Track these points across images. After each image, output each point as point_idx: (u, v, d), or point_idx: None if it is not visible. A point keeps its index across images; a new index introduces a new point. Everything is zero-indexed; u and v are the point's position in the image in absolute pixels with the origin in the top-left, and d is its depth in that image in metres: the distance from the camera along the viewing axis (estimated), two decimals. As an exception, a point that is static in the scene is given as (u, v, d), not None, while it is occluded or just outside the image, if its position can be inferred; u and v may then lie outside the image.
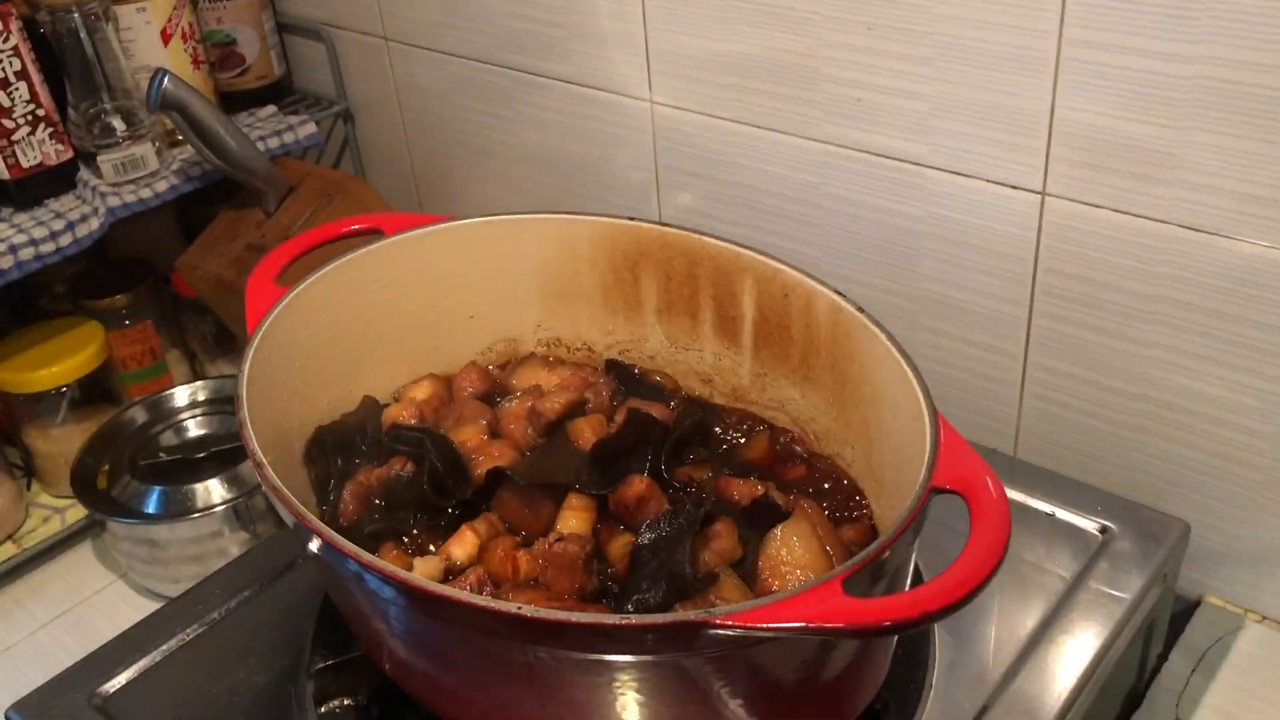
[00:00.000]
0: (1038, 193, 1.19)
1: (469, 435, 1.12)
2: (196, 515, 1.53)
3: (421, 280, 1.18)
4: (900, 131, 1.26)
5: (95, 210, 1.59)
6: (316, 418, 1.12)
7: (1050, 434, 1.30)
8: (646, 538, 0.99)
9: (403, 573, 0.81)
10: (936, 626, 1.06)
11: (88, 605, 1.66)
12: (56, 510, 1.75)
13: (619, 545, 1.02)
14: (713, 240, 1.11)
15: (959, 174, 1.24)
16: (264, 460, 0.92)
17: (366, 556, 0.83)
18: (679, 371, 1.20)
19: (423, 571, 0.99)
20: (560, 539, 0.99)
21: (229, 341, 1.86)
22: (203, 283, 1.66)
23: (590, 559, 0.99)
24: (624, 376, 1.22)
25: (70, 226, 1.57)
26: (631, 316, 1.20)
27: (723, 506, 1.05)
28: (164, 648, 1.12)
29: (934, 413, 0.88)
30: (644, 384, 1.21)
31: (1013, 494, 1.18)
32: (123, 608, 1.66)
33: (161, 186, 1.64)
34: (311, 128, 1.77)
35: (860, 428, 1.03)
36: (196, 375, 1.91)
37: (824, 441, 1.09)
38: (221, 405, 1.71)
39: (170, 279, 1.82)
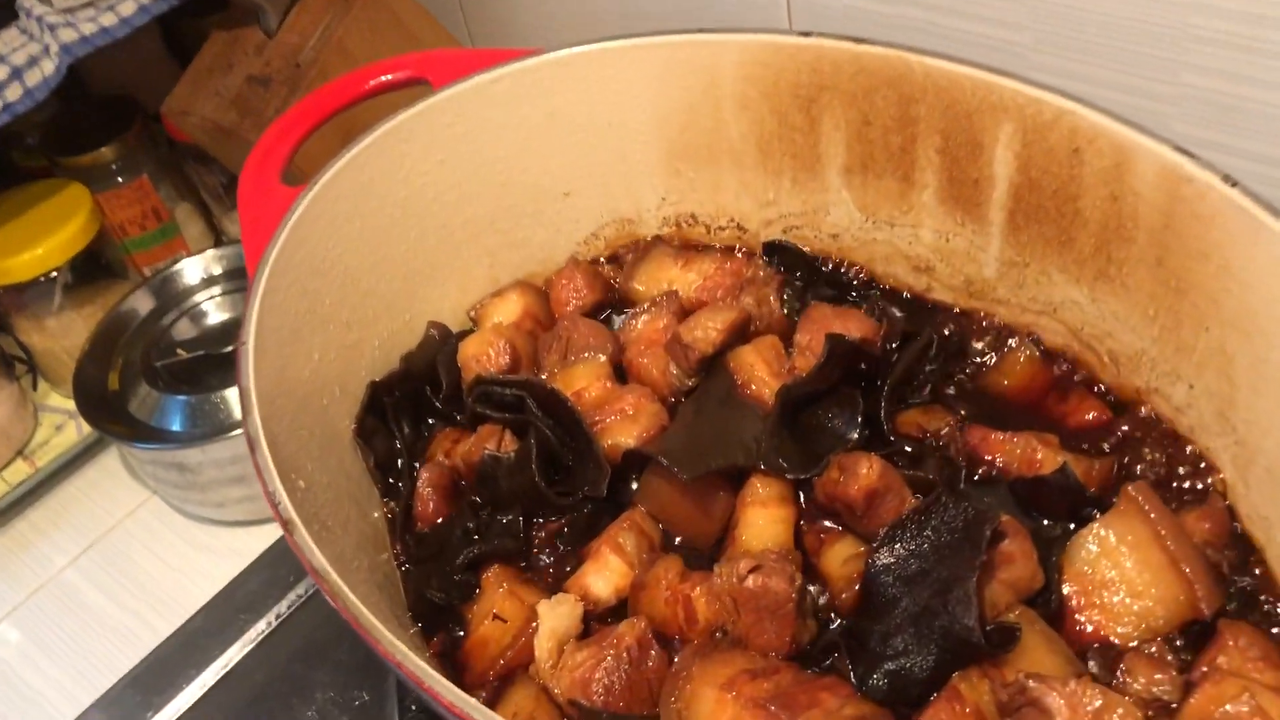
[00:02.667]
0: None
1: (586, 381, 0.73)
2: (234, 434, 1.16)
3: (493, 149, 0.77)
4: None
5: (45, 50, 1.15)
6: (366, 371, 0.74)
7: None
8: (887, 557, 0.61)
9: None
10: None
11: (121, 532, 1.33)
12: (69, 415, 1.39)
13: (838, 557, 0.65)
14: (943, 63, 0.68)
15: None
16: (294, 517, 0.54)
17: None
18: (877, 256, 0.79)
19: (552, 625, 0.62)
20: (756, 568, 0.61)
21: (247, 189, 1.45)
22: (198, 130, 1.25)
23: (804, 595, 0.62)
24: (795, 265, 0.80)
25: (16, 74, 1.14)
26: (803, 179, 0.78)
27: (984, 485, 0.66)
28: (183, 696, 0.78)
29: None
30: (827, 278, 0.80)
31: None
32: (162, 532, 1.33)
33: (128, 9, 1.19)
34: (312, -94, 1.29)
35: (1210, 358, 0.63)
36: (215, 233, 1.51)
37: (1128, 369, 0.69)
38: (244, 278, 1.32)
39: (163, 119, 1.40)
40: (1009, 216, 0.71)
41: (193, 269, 1.35)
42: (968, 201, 0.72)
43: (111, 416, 1.24)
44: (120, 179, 1.40)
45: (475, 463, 0.70)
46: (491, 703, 0.62)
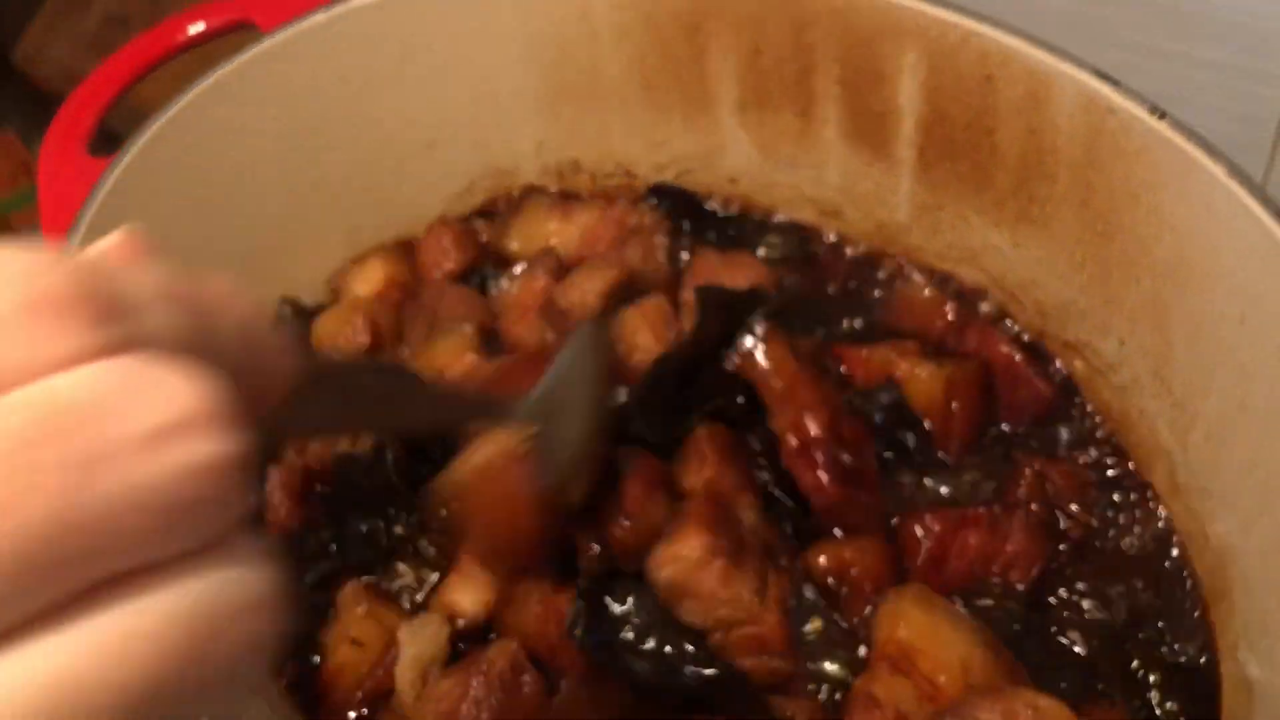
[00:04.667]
0: None
1: (448, 357, 0.66)
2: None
3: (339, 100, 0.68)
4: None
5: None
6: (205, 361, 0.65)
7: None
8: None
9: None
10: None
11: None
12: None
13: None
14: (837, -18, 0.59)
15: None
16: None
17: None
18: (781, 200, 0.71)
19: (415, 652, 0.56)
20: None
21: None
22: (54, 78, 1.14)
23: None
24: (686, 209, 0.73)
25: None
26: (695, 117, 0.70)
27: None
28: None
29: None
30: (723, 221, 0.73)
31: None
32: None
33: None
34: None
35: (1143, 311, 0.56)
36: (97, 186, 1.40)
37: (1053, 319, 0.62)
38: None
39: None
40: (919, 153, 0.63)
41: (68, 230, 1.25)
42: (874, 137, 0.64)
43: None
44: (-19, 134, 1.29)
45: (330, 456, 0.63)
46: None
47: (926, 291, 0.67)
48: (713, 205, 0.73)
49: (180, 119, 0.64)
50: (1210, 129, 0.85)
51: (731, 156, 0.71)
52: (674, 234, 0.72)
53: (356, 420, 0.43)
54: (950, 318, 0.66)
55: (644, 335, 0.64)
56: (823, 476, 0.57)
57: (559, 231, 0.72)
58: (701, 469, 0.57)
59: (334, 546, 0.61)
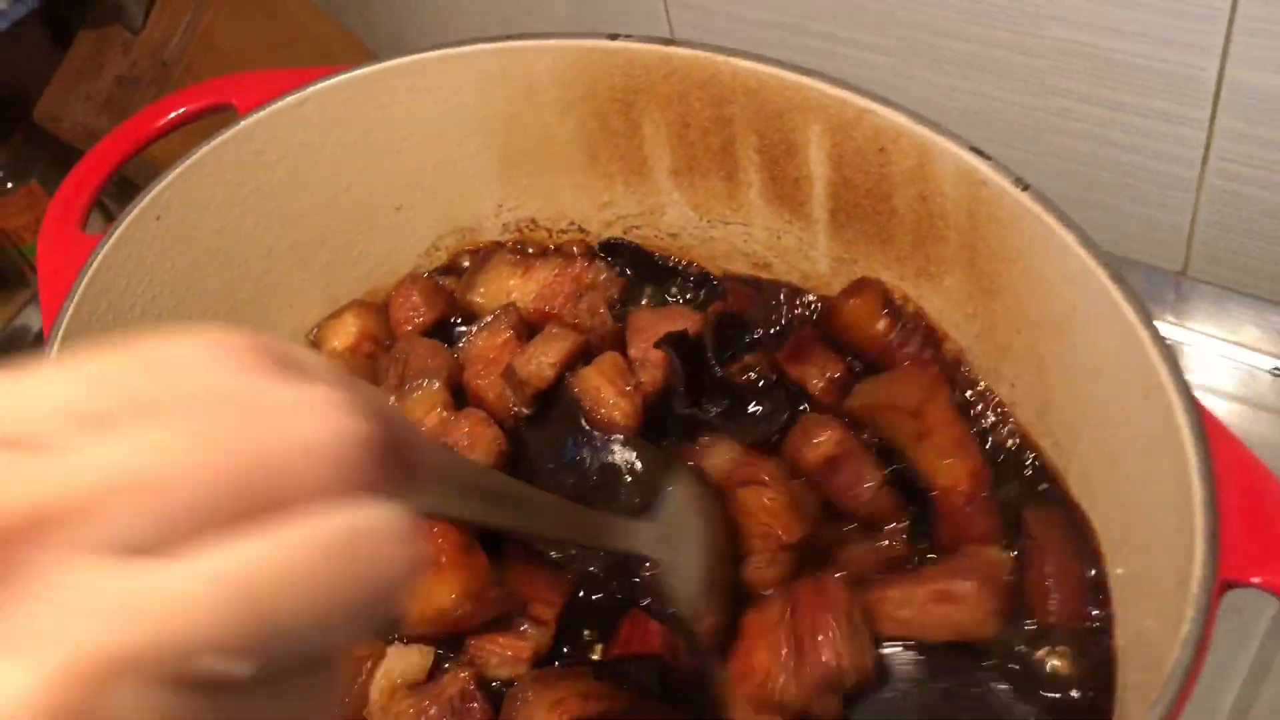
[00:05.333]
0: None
1: (422, 411, 0.72)
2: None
3: (311, 171, 0.75)
4: None
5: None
6: (193, 412, 0.72)
7: (1239, 231, 0.86)
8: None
9: None
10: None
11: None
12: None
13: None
14: (750, 63, 0.66)
15: None
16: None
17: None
18: (718, 254, 0.77)
19: (389, 665, 0.62)
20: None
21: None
22: (72, 136, 1.21)
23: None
24: (634, 261, 0.79)
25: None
26: (635, 181, 0.76)
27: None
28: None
29: (1194, 409, 0.46)
30: (665, 270, 0.79)
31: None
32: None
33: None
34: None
35: (1026, 359, 0.62)
36: (117, 230, 1.48)
37: (955, 365, 0.67)
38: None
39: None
40: (831, 215, 0.69)
41: (87, 276, 1.32)
42: (791, 200, 0.70)
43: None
44: (9, 184, 1.37)
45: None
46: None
47: (880, 324, 0.72)
48: (660, 259, 0.80)
49: (162, 199, 0.70)
50: (1139, 166, 0.91)
51: (670, 215, 0.77)
52: (625, 289, 0.78)
53: (481, 513, 0.51)
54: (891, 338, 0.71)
55: (606, 390, 0.70)
56: (989, 522, 0.61)
57: (519, 287, 0.78)
58: (825, 437, 0.63)
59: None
